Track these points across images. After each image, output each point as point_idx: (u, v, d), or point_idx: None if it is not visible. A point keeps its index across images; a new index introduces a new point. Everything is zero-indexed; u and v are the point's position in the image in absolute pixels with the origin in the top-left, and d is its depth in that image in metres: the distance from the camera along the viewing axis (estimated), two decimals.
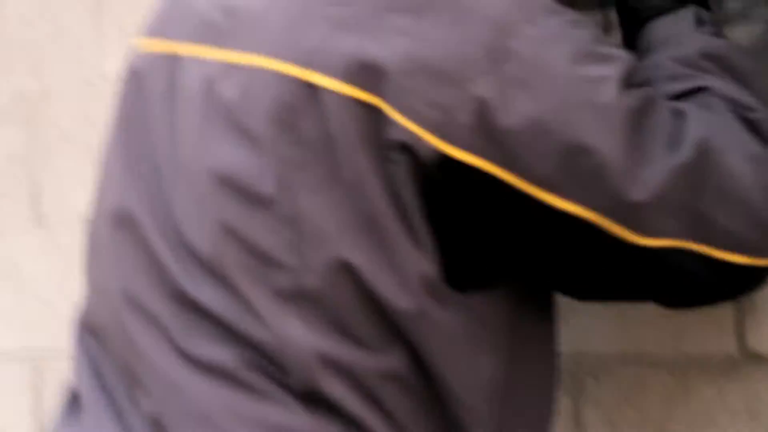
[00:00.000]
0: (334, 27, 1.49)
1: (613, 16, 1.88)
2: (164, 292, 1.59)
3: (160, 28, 1.72)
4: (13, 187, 3.18)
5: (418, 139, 1.41)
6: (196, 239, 1.55)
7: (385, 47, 1.44)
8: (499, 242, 1.49)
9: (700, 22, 1.65)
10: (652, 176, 1.42)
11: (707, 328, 1.86)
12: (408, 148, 1.42)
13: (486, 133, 1.41)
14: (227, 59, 1.57)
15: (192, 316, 1.55)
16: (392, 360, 1.50)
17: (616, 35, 1.84)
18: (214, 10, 1.62)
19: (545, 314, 1.66)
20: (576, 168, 1.44)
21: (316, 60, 1.46)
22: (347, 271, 1.46)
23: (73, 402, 1.74)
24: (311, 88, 1.46)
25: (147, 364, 1.62)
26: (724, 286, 1.55)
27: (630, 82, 1.47)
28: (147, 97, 1.67)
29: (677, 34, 1.66)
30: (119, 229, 1.66)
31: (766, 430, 1.90)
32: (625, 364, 2.05)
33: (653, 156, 1.44)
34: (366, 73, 1.43)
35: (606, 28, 1.92)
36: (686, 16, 1.66)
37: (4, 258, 3.09)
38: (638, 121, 1.44)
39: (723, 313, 1.79)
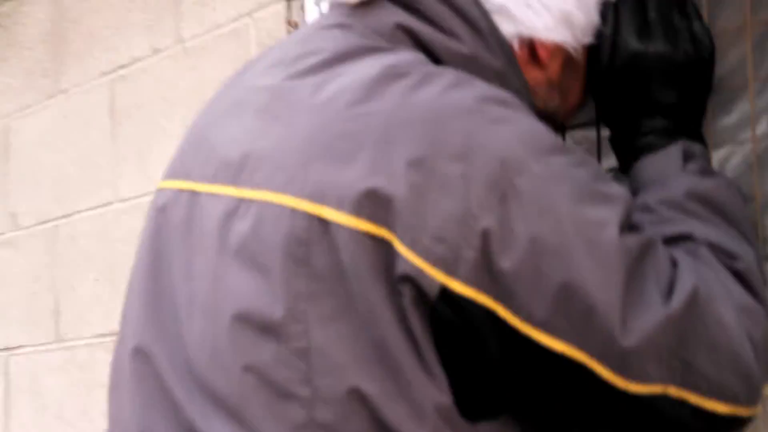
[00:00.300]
0: (342, 161, 1.44)
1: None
2: (177, 427, 1.53)
3: (182, 169, 1.69)
4: (37, 306, 3.15)
5: (423, 273, 1.35)
6: (209, 375, 1.51)
7: (393, 180, 1.39)
8: (499, 375, 1.44)
9: (687, 157, 1.63)
10: (643, 323, 1.38)
11: None
12: (413, 282, 1.36)
13: (487, 269, 1.36)
14: (241, 195, 1.53)
15: None
16: None
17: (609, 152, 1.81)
18: (232, 152, 1.60)
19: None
20: (570, 309, 1.39)
21: (326, 194, 1.42)
22: (360, 401, 1.40)
23: None
24: (322, 223, 1.41)
25: None
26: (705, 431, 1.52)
27: (629, 223, 1.46)
28: (167, 232, 1.65)
29: (665, 174, 1.64)
30: (137, 364, 1.62)
31: None
32: None
33: (647, 303, 1.40)
34: (374, 205, 1.38)
35: (600, 146, 1.89)
36: (675, 153, 1.64)
37: (27, 374, 3.05)
38: (635, 266, 1.41)
39: None
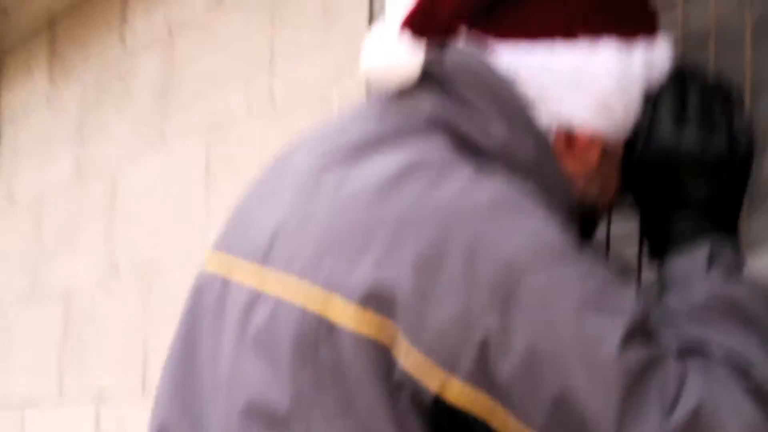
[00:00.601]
0: (355, 255, 1.40)
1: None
2: None
3: (224, 242, 1.63)
4: (128, 355, 3.16)
5: (419, 381, 1.32)
6: None
7: (399, 278, 1.34)
8: None
9: (712, 259, 1.55)
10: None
11: None
12: (410, 388, 1.33)
13: (486, 372, 1.32)
14: (261, 287, 1.50)
15: None
16: None
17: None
18: (264, 231, 1.55)
19: None
20: (565, 420, 1.33)
21: (338, 284, 1.37)
22: None
23: None
24: (329, 325, 1.38)
25: None
26: None
27: (636, 335, 1.34)
28: (201, 315, 1.60)
29: (689, 277, 1.55)
30: None
31: None
32: None
33: (646, 420, 1.31)
34: (380, 300, 1.34)
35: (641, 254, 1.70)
36: (701, 254, 1.56)
37: (116, 423, 3.05)
38: (636, 381, 1.34)
39: None
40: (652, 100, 1.63)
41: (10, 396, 3.97)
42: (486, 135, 1.52)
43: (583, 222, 1.65)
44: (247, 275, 1.53)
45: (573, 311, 1.33)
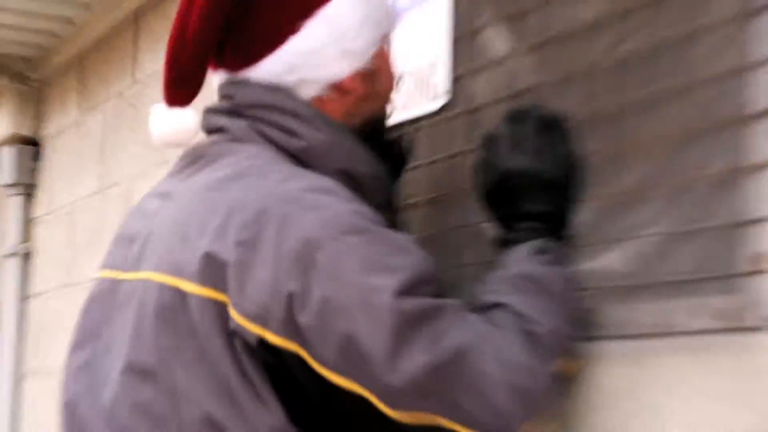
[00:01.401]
0: (193, 240, 1.71)
1: None
2: None
3: (107, 261, 1.98)
4: None
5: (245, 329, 1.62)
6: (115, 409, 1.76)
7: (226, 253, 1.63)
8: (314, 400, 1.69)
9: (540, 252, 1.79)
10: (408, 368, 1.58)
11: None
12: (240, 335, 1.63)
13: (292, 323, 1.60)
14: (134, 277, 1.81)
15: None
16: None
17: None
18: (124, 239, 1.92)
19: None
20: (350, 355, 1.60)
21: (181, 270, 1.70)
22: (212, 424, 1.66)
23: None
24: (180, 293, 1.69)
25: None
26: None
27: (415, 290, 1.62)
28: (98, 305, 1.92)
29: (513, 259, 1.80)
30: (66, 415, 1.91)
31: None
32: None
33: (411, 355, 1.58)
34: (213, 271, 1.65)
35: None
36: (529, 247, 1.81)
37: None
38: (408, 324, 1.59)
39: None
40: (489, 133, 1.95)
41: (54, 370, 3.66)
42: (291, 140, 1.82)
43: (380, 135, 1.98)
44: (128, 277, 1.83)
45: (357, 270, 1.61)
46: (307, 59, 1.87)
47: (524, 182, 1.87)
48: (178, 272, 1.69)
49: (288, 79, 1.85)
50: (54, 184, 4.23)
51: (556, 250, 1.83)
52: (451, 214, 2.21)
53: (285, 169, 1.77)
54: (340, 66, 1.88)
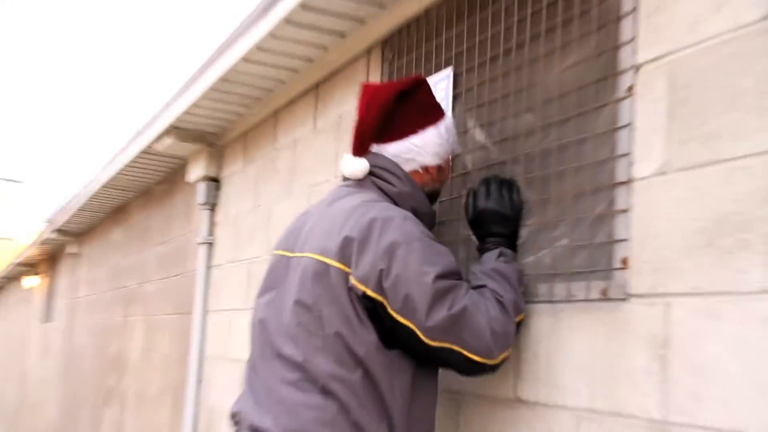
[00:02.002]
0: (334, 237, 1.75)
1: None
2: (272, 351, 1.82)
3: (282, 243, 2.00)
4: None
5: (356, 286, 1.69)
6: (287, 328, 1.79)
7: (351, 246, 1.71)
8: (389, 328, 1.70)
9: (501, 255, 1.83)
10: (436, 316, 1.65)
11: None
12: (354, 290, 1.69)
13: (380, 285, 1.67)
14: (300, 255, 1.85)
15: (281, 362, 1.77)
16: (357, 375, 1.69)
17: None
18: (302, 230, 1.92)
19: (435, 378, 1.84)
20: (408, 306, 1.66)
21: (327, 252, 1.75)
22: (339, 336, 1.70)
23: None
24: (326, 266, 1.75)
25: (259, 385, 1.85)
26: (472, 368, 1.72)
27: (446, 277, 1.68)
28: (276, 273, 1.95)
29: (487, 261, 1.84)
30: (260, 332, 1.90)
31: None
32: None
33: (439, 311, 1.65)
34: (345, 255, 1.72)
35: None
36: (493, 253, 1.85)
37: None
38: (438, 293, 1.65)
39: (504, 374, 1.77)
40: (472, 190, 1.96)
41: (224, 309, 3.97)
42: (393, 187, 1.90)
43: (435, 198, 2.02)
44: (295, 255, 1.88)
45: (416, 261, 1.68)
46: (415, 150, 1.92)
47: (491, 216, 1.89)
48: (325, 253, 1.75)
49: (402, 157, 1.92)
50: (227, 203, 4.19)
51: (510, 255, 1.86)
52: (454, 229, 2.19)
53: (385, 203, 1.83)
54: (429, 159, 1.94)
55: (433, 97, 1.98)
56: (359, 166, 1.91)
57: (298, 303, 1.76)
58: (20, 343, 12.68)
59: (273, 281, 1.93)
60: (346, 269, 1.72)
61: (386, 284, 1.66)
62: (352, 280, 1.70)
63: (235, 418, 1.87)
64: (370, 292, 1.68)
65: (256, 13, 2.86)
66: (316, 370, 1.69)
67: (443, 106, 2.02)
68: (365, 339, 1.69)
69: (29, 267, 11.80)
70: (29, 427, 10.22)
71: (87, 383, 7.03)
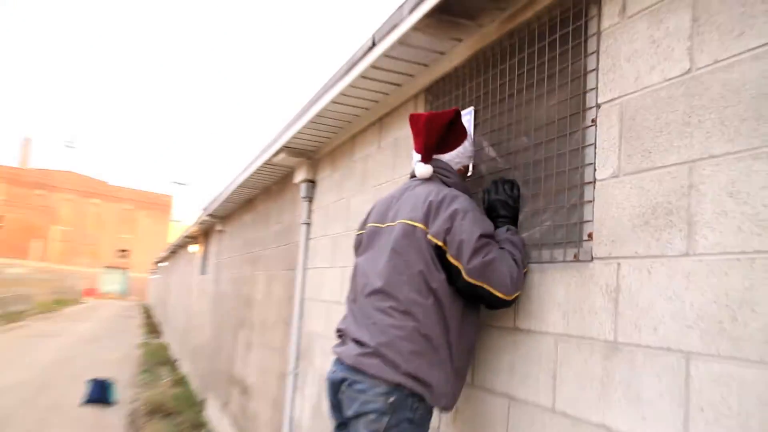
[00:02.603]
0: (418, 211, 1.73)
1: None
2: (368, 291, 1.77)
3: (374, 218, 1.95)
4: None
5: (431, 240, 1.67)
6: (383, 271, 1.74)
7: (429, 213, 1.70)
8: (449, 271, 1.67)
9: (509, 230, 1.77)
10: (475, 261, 1.62)
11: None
12: (429, 242, 1.68)
13: (446, 239, 1.66)
14: (392, 224, 1.82)
15: (376, 295, 1.73)
16: (430, 301, 1.66)
17: None
18: (390, 209, 1.88)
19: (475, 308, 1.78)
20: (459, 252, 1.64)
21: (414, 218, 1.73)
22: (421, 275, 1.68)
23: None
24: (413, 227, 1.73)
25: (359, 313, 1.79)
26: (497, 302, 1.66)
27: (485, 236, 1.67)
28: (372, 237, 1.89)
29: (499, 233, 1.76)
30: (361, 277, 1.85)
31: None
32: None
33: (477, 257, 1.63)
34: (425, 221, 1.71)
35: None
36: (503, 229, 1.78)
37: None
38: (479, 246, 1.63)
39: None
40: (486, 188, 1.90)
41: (317, 266, 3.86)
42: (449, 179, 1.89)
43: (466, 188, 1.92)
44: (386, 225, 1.85)
45: (469, 224, 1.65)
46: (457, 158, 1.94)
47: (499, 204, 1.85)
48: (413, 219, 1.74)
49: (452, 161, 1.93)
50: (320, 197, 4.14)
51: (514, 230, 1.80)
52: None
53: (446, 188, 1.81)
54: (465, 161, 1.97)
55: (462, 122, 1.95)
56: (428, 170, 1.88)
57: (394, 251, 1.73)
58: (187, 288, 13.04)
59: (368, 245, 1.90)
60: (425, 228, 1.70)
61: (448, 238, 1.65)
62: (430, 236, 1.68)
63: (340, 333, 1.84)
64: (440, 243, 1.66)
65: (341, 72, 2.88)
66: (401, 298, 1.67)
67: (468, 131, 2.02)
68: (437, 277, 1.67)
69: (192, 239, 12.09)
70: (193, 342, 10.49)
71: (228, 314, 7.12)
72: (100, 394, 8.04)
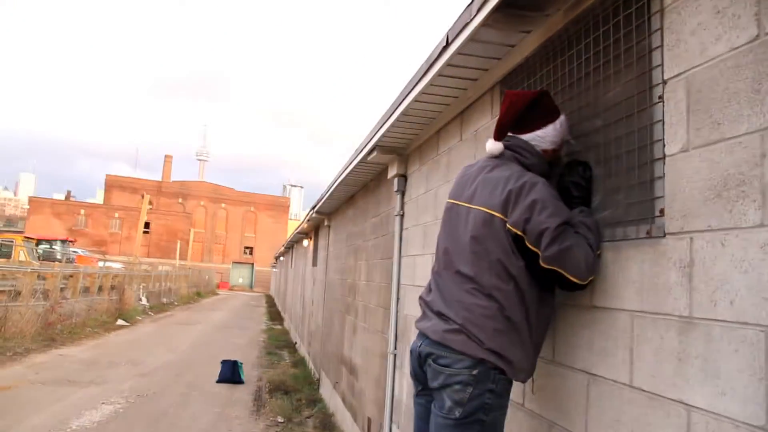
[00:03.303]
0: (497, 196, 1.68)
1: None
2: (451, 270, 1.77)
3: (453, 193, 1.91)
4: None
5: (511, 229, 1.63)
6: (465, 255, 1.73)
7: (508, 202, 1.65)
8: (530, 257, 1.63)
9: (582, 211, 1.69)
10: (552, 249, 1.58)
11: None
12: (508, 231, 1.64)
13: (524, 228, 1.61)
14: (469, 206, 1.77)
15: (460, 276, 1.73)
16: (511, 286, 1.65)
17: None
18: (466, 187, 1.84)
19: (551, 286, 1.71)
20: (537, 241, 1.59)
21: (493, 207, 1.69)
22: (499, 262, 1.66)
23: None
24: (492, 216, 1.69)
25: (444, 287, 1.78)
26: (571, 285, 1.63)
27: (562, 224, 1.60)
28: (451, 215, 1.86)
29: (575, 215, 1.68)
30: (444, 254, 1.83)
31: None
32: None
33: (554, 245, 1.57)
34: (503, 209, 1.66)
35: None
36: (577, 210, 1.71)
37: None
38: (556, 235, 1.58)
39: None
40: (562, 168, 1.83)
41: (410, 253, 3.88)
42: (528, 160, 1.80)
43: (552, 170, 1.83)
44: (463, 204, 1.80)
45: (547, 214, 1.59)
46: (540, 137, 1.83)
47: (573, 186, 1.78)
48: (491, 207, 1.69)
49: (533, 141, 1.83)
50: (410, 190, 4.18)
51: (587, 211, 1.74)
52: None
53: (525, 172, 1.73)
54: (549, 143, 1.83)
55: (553, 103, 1.84)
56: (497, 147, 1.82)
57: (473, 238, 1.71)
58: (301, 279, 13.68)
59: (447, 220, 1.88)
60: (504, 218, 1.66)
61: (528, 227, 1.61)
62: (509, 225, 1.64)
63: (425, 303, 1.82)
64: (519, 233, 1.63)
65: (420, 72, 2.89)
66: (484, 283, 1.66)
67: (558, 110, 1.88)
68: (516, 264, 1.65)
69: (304, 234, 12.63)
70: (308, 327, 10.98)
71: (336, 301, 7.37)
72: (231, 373, 8.65)
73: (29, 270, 12.26)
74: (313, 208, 8.80)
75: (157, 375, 8.84)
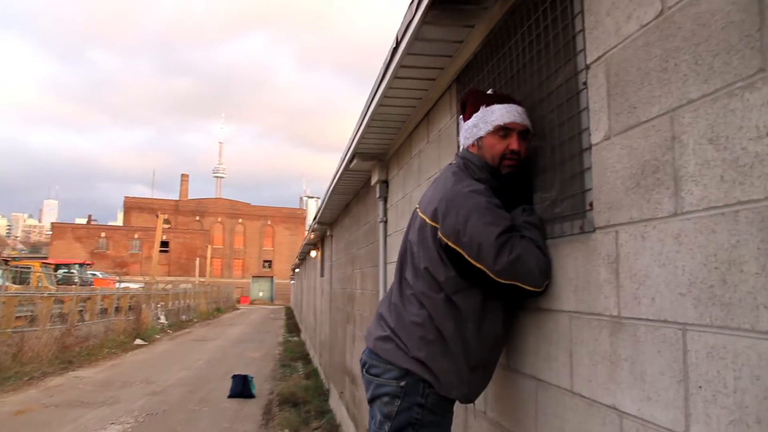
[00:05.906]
0: (433, 204, 1.63)
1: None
2: (399, 275, 1.75)
3: (419, 203, 1.81)
4: None
5: (442, 239, 1.56)
6: (408, 257, 1.72)
7: (440, 210, 1.58)
8: (463, 269, 1.55)
9: (525, 211, 1.60)
10: (501, 261, 1.48)
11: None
12: (440, 241, 1.57)
13: (457, 240, 1.53)
14: (418, 210, 1.74)
15: (405, 282, 1.70)
16: (441, 297, 1.59)
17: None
18: (428, 191, 1.76)
19: (500, 299, 1.62)
20: (480, 255, 1.51)
21: (426, 212, 1.64)
22: (427, 271, 1.61)
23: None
24: (425, 222, 1.64)
25: (392, 292, 1.76)
26: (529, 294, 1.53)
27: (504, 232, 1.51)
28: (411, 219, 1.84)
29: (515, 215, 1.60)
30: (398, 259, 1.81)
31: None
32: None
33: (501, 257, 1.48)
34: (434, 218, 1.60)
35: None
36: (521, 208, 1.63)
37: None
38: (501, 243, 1.49)
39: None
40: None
41: (392, 261, 3.83)
42: (466, 158, 1.69)
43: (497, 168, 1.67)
44: (417, 208, 1.76)
45: (483, 223, 1.51)
46: (465, 135, 1.75)
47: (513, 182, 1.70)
48: (426, 213, 1.64)
49: (463, 140, 1.76)
50: (391, 196, 4.16)
51: (529, 209, 1.65)
52: None
53: (462, 179, 1.64)
54: (471, 139, 1.72)
55: (471, 101, 1.77)
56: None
57: (411, 243, 1.70)
58: (313, 290, 13.77)
59: (408, 227, 1.85)
60: (437, 225, 1.59)
61: (464, 240, 1.51)
62: (440, 234, 1.57)
63: (377, 309, 1.83)
64: (450, 243, 1.54)
65: (380, 76, 2.88)
66: (417, 290, 1.62)
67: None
68: (444, 272, 1.57)
69: (312, 245, 12.68)
70: (319, 337, 10.98)
71: (339, 310, 7.38)
72: (242, 388, 8.64)
73: (46, 294, 12.41)
74: (315, 218, 8.80)
75: (170, 392, 8.88)
